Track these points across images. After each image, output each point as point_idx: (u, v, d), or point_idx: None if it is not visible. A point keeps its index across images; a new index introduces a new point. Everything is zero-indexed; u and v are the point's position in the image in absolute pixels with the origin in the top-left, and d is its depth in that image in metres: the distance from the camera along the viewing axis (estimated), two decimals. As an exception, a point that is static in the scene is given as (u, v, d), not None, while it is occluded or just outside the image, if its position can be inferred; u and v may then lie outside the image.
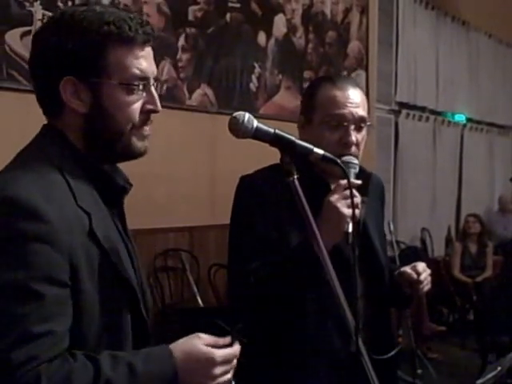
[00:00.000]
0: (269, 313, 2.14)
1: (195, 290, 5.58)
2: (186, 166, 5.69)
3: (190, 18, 5.78)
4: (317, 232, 1.72)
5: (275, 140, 1.70)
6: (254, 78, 6.38)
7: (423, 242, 8.99)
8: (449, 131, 9.86)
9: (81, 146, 1.59)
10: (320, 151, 1.74)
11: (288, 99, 6.67)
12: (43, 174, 1.50)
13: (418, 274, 2.25)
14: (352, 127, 2.20)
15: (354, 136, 2.20)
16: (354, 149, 2.20)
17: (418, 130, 9.13)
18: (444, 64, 9.55)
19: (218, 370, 1.50)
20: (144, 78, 1.58)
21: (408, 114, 8.90)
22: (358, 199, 2.01)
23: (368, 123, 2.27)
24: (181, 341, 1.52)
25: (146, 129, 1.62)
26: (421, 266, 2.28)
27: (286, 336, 2.13)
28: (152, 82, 1.61)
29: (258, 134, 1.69)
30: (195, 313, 5.29)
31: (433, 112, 9.44)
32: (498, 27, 10.49)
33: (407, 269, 2.27)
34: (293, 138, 1.71)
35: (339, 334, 2.10)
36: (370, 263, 2.27)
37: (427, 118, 9.32)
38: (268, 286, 2.09)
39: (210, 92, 5.96)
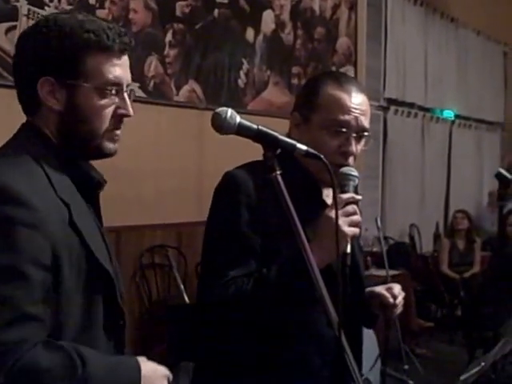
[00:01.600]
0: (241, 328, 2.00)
1: (182, 287, 5.57)
2: (174, 162, 5.66)
3: (178, 13, 5.77)
4: (301, 231, 1.68)
5: (258, 136, 1.67)
6: (242, 74, 6.36)
7: (411, 238, 9.00)
8: (437, 127, 9.87)
9: (57, 141, 1.66)
10: (303, 147, 1.70)
11: (276, 95, 6.66)
12: (24, 165, 1.57)
13: (394, 297, 2.14)
14: (353, 136, 2.05)
15: (354, 146, 2.05)
16: (351, 159, 2.06)
17: (407, 126, 9.14)
18: (433, 60, 9.55)
19: None
20: (117, 84, 1.66)
21: (396, 111, 8.91)
22: (359, 217, 1.92)
23: (368, 133, 2.11)
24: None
25: (117, 132, 1.70)
26: (397, 288, 2.16)
27: (265, 350, 1.98)
28: (125, 88, 1.69)
29: (241, 130, 1.67)
30: (182, 309, 5.28)
31: (421, 108, 9.45)
32: (487, 24, 10.50)
33: (382, 291, 2.16)
34: (276, 134, 1.69)
35: (321, 354, 2.02)
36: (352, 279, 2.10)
37: (416, 115, 9.33)
38: (248, 302, 1.92)
39: (197, 88, 5.94)
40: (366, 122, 2.08)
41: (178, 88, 5.78)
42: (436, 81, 9.63)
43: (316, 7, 7.23)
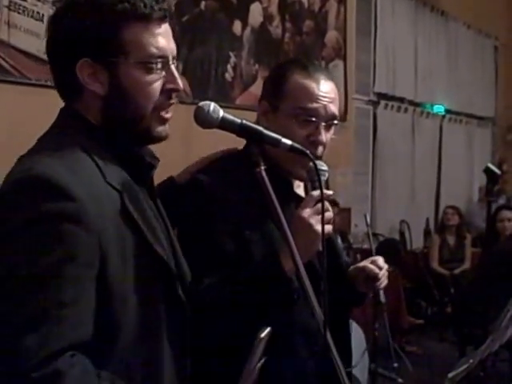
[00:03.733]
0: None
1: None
2: (160, 157, 5.51)
3: (164, 5, 5.67)
4: (285, 224, 1.66)
5: (242, 130, 1.65)
6: (229, 67, 6.28)
7: (402, 234, 8.95)
8: (428, 122, 9.82)
9: (102, 127, 1.54)
10: (288, 141, 1.68)
11: (264, 89, 6.58)
12: (69, 153, 1.46)
13: (380, 268, 2.12)
14: (322, 125, 2.03)
15: (324, 135, 2.03)
16: (320, 149, 2.04)
17: (397, 121, 9.08)
18: (423, 54, 9.50)
19: None
20: (162, 57, 1.54)
21: (386, 105, 8.84)
22: (331, 213, 1.88)
23: (337, 122, 2.08)
24: None
25: (167, 114, 1.59)
26: (380, 260, 2.15)
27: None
28: (171, 60, 1.57)
29: (224, 124, 1.64)
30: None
31: (411, 103, 9.39)
32: (477, 18, 10.46)
33: (367, 263, 2.13)
34: (260, 129, 1.67)
35: (307, 345, 1.99)
36: (331, 263, 2.06)
37: (406, 109, 9.27)
38: (225, 314, 1.87)
39: (184, 82, 5.81)
40: (335, 109, 2.06)
41: (164, 82, 5.69)
42: (426, 75, 9.58)
43: (304, 0, 7.15)
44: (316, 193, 1.84)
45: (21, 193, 1.38)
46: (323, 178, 1.92)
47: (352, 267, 2.20)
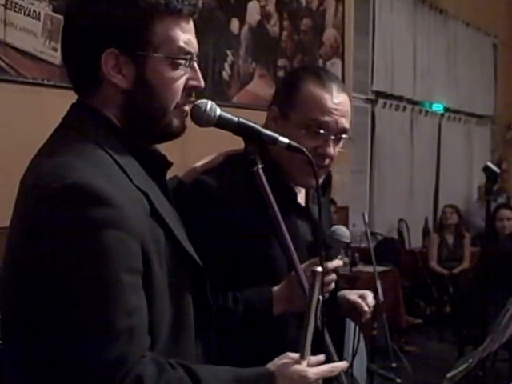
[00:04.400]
0: None
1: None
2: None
3: (161, 3, 5.64)
4: (283, 226, 1.66)
5: (239, 129, 1.64)
6: (226, 66, 6.24)
7: (400, 233, 8.93)
8: (426, 121, 9.78)
9: (121, 123, 1.49)
10: (285, 140, 1.67)
11: (262, 88, 6.54)
12: (94, 155, 1.41)
13: (368, 306, 2.14)
14: (332, 138, 2.00)
15: (332, 148, 2.01)
16: (327, 162, 2.02)
17: (395, 119, 9.05)
18: (421, 53, 9.47)
19: None
20: (189, 53, 1.51)
21: (385, 104, 8.81)
22: (334, 276, 1.90)
23: (347, 136, 2.06)
24: (274, 363, 1.50)
25: (186, 108, 1.55)
26: (370, 297, 2.16)
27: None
28: (195, 57, 1.54)
29: (221, 123, 1.63)
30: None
31: (410, 101, 9.36)
32: (476, 15, 10.44)
33: (357, 299, 2.14)
34: (257, 127, 1.66)
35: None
36: None
37: (404, 108, 9.24)
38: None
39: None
40: (346, 123, 2.03)
41: (161, 80, 5.66)
42: (425, 73, 9.54)
43: (302, -2, 7.12)
44: (331, 265, 1.86)
45: (64, 204, 1.32)
46: (342, 249, 1.97)
47: (340, 294, 2.20)
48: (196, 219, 1.93)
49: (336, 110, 2.00)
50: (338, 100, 2.01)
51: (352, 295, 2.16)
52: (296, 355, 1.48)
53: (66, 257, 1.31)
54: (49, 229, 1.32)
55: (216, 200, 1.93)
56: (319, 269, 1.43)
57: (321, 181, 1.99)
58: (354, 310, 2.14)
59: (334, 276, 1.89)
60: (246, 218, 1.90)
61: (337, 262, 1.90)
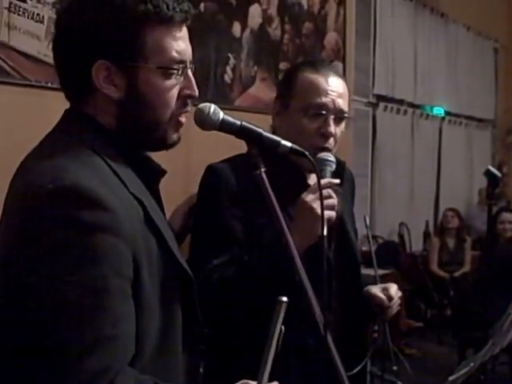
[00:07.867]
0: (232, 314, 2.00)
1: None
2: (161, 159, 5.50)
3: (163, 7, 5.65)
4: (285, 228, 1.65)
5: (242, 132, 1.65)
6: (228, 69, 6.25)
7: (401, 236, 8.92)
8: (427, 124, 9.78)
9: (115, 132, 1.47)
10: (287, 143, 1.68)
11: (263, 91, 6.55)
12: (91, 161, 1.39)
13: (391, 298, 2.14)
14: (332, 117, 2.09)
15: (333, 127, 2.09)
16: (331, 141, 2.10)
17: (396, 123, 9.04)
18: (422, 56, 9.47)
19: None
20: (182, 62, 1.48)
21: (386, 107, 8.80)
22: (335, 200, 1.93)
23: (346, 115, 2.14)
24: None
25: (182, 118, 1.53)
26: (393, 289, 2.16)
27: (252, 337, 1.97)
28: (189, 65, 1.52)
29: (224, 126, 1.64)
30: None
31: (411, 105, 9.35)
32: (477, 20, 10.42)
33: (378, 292, 2.15)
34: (260, 131, 1.66)
35: (315, 335, 1.99)
36: (346, 259, 2.21)
37: (405, 111, 9.23)
38: (232, 289, 1.94)
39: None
40: (343, 104, 2.12)
41: (163, 84, 5.67)
42: (426, 77, 9.54)
43: (304, 2, 7.12)
44: (323, 181, 1.86)
45: (57, 205, 1.30)
46: (330, 169, 2.01)
47: (364, 290, 2.21)
48: (207, 201, 2.08)
49: (332, 91, 2.09)
50: (332, 82, 2.11)
51: (374, 289, 2.18)
52: (254, 383, 1.42)
53: (54, 258, 1.29)
54: (40, 229, 1.30)
55: (227, 183, 2.04)
56: (284, 298, 1.41)
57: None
58: (377, 305, 2.15)
59: (334, 200, 1.93)
60: (256, 204, 1.90)
61: (327, 180, 1.95)
